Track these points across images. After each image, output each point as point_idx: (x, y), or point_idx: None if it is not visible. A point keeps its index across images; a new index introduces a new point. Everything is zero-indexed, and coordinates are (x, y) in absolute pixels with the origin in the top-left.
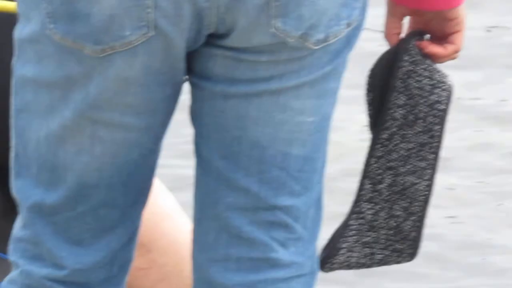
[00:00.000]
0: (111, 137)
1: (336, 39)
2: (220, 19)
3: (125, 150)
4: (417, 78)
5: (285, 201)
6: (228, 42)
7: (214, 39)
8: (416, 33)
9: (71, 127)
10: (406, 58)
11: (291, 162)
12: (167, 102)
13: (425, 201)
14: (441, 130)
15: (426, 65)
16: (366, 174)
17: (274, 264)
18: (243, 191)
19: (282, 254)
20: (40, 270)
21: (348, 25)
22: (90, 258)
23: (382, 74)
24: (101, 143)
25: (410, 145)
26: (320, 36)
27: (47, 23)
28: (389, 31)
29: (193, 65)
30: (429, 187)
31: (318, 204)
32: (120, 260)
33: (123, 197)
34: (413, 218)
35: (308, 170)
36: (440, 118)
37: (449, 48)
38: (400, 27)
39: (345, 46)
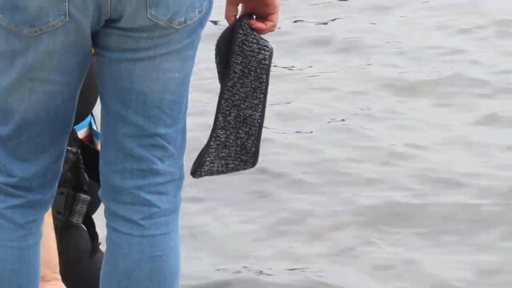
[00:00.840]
0: (43, 89)
1: (192, 21)
2: (113, 9)
3: (52, 98)
4: (248, 44)
5: (161, 130)
6: (119, 24)
7: (110, 22)
8: (246, 15)
9: (16, 84)
10: (240, 31)
11: (164, 104)
12: (80, 65)
13: (259, 126)
14: (266, 78)
15: (254, 35)
16: (219, 110)
17: (155, 173)
18: (133, 124)
19: (160, 166)
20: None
21: (200, 12)
22: (31, 170)
23: (225, 43)
24: (36, 93)
25: (247, 89)
26: (181, 19)
27: None
28: (228, 14)
29: (97, 40)
30: (261, 116)
31: (183, 132)
32: (52, 171)
33: (53, 129)
34: (252, 138)
35: (176, 109)
36: (266, 70)
37: (269, 24)
38: (235, 11)
39: (199, 25)
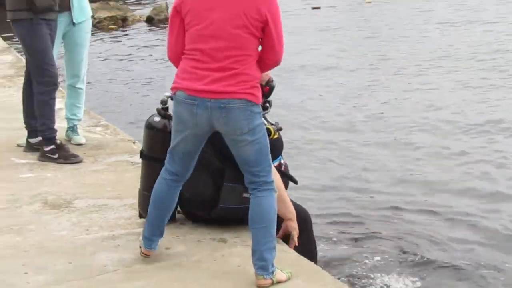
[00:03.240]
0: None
1: (245, 131)
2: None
3: (183, 147)
4: None
5: (253, 169)
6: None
7: None
8: None
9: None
10: None
11: (251, 160)
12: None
13: None
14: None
15: None
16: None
17: (255, 181)
18: (243, 169)
19: (257, 179)
20: (164, 174)
21: (249, 129)
22: (178, 168)
23: None
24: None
25: None
26: (237, 132)
27: None
28: None
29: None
30: None
31: (270, 165)
32: (188, 168)
33: (188, 156)
34: None
35: (258, 160)
36: None
37: None
38: None
39: (252, 130)
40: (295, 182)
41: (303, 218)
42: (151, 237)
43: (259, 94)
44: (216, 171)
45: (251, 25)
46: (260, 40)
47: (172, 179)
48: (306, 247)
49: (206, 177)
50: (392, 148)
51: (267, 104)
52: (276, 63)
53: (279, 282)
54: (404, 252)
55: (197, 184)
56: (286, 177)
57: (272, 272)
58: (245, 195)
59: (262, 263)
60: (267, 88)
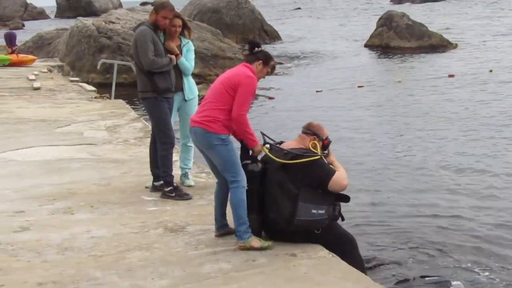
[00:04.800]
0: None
1: (207, 147)
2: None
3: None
4: None
5: (223, 172)
6: None
7: None
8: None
9: None
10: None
11: (220, 165)
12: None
13: None
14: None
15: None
16: None
17: (229, 179)
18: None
19: (227, 179)
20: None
21: (209, 147)
22: (217, 177)
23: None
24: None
25: None
26: (203, 148)
27: None
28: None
29: None
30: None
31: (234, 171)
32: (221, 176)
33: (213, 167)
34: None
35: (226, 166)
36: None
37: None
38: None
39: (213, 144)
40: (347, 200)
41: (350, 240)
42: (218, 224)
43: (216, 127)
44: (292, 195)
45: (228, 86)
46: (232, 97)
47: (218, 186)
48: (354, 263)
49: (284, 200)
50: (443, 159)
51: (326, 152)
52: (234, 118)
53: (251, 246)
54: (445, 256)
55: (279, 206)
56: (338, 199)
57: (246, 239)
58: (313, 211)
59: (237, 233)
60: (326, 142)
